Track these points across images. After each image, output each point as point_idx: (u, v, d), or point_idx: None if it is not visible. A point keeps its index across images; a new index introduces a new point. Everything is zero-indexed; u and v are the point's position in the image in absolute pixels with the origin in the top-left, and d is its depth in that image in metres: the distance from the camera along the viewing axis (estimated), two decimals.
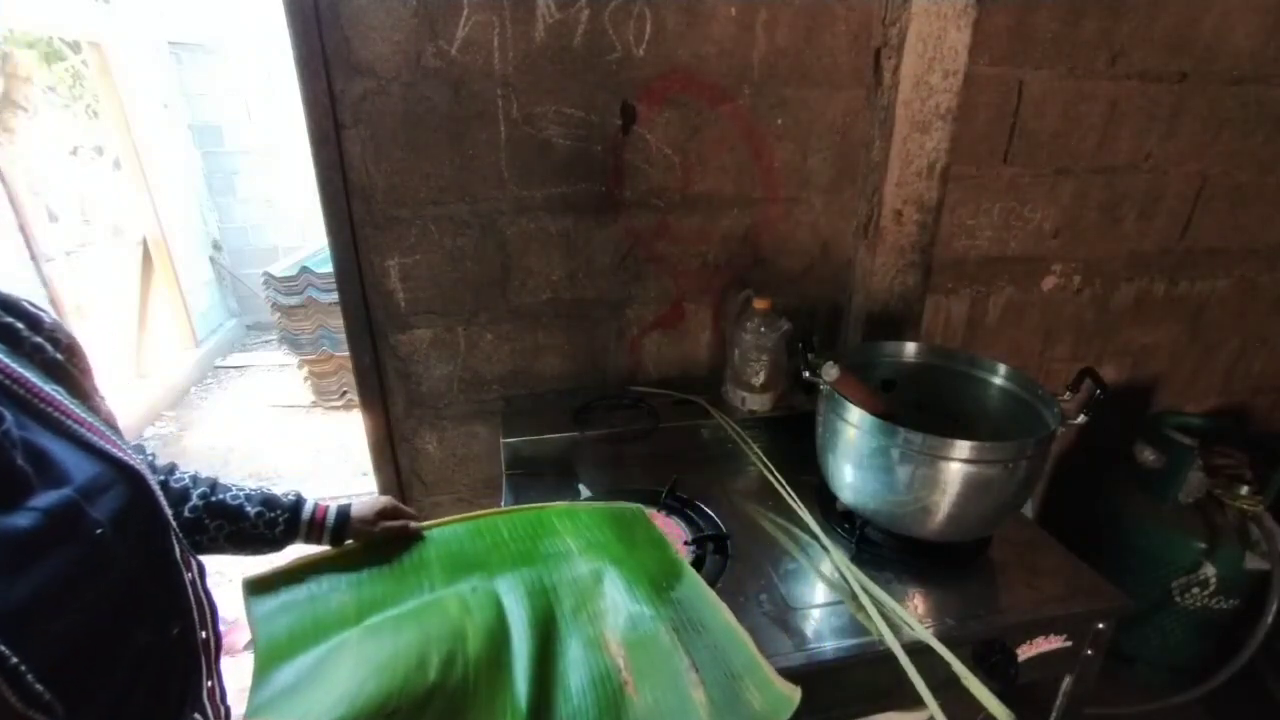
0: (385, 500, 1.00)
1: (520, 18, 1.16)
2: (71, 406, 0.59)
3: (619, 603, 0.89)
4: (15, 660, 0.44)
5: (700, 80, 1.28)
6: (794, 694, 0.80)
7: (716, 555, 1.05)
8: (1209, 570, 1.63)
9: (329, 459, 3.36)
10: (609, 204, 1.34)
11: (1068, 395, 1.02)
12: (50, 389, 0.58)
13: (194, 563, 0.68)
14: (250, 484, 0.88)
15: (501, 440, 1.29)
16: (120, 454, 0.60)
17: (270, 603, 0.87)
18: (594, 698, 0.78)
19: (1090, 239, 1.63)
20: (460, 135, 1.23)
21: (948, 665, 0.84)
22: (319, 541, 0.92)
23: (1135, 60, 1.45)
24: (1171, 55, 1.47)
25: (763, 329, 1.34)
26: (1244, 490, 1.63)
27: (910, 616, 0.91)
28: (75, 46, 3.66)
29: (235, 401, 4.10)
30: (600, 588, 0.92)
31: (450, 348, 1.39)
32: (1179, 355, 1.88)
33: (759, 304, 1.33)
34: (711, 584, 0.99)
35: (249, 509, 0.83)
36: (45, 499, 0.51)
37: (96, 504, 0.55)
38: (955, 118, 1.32)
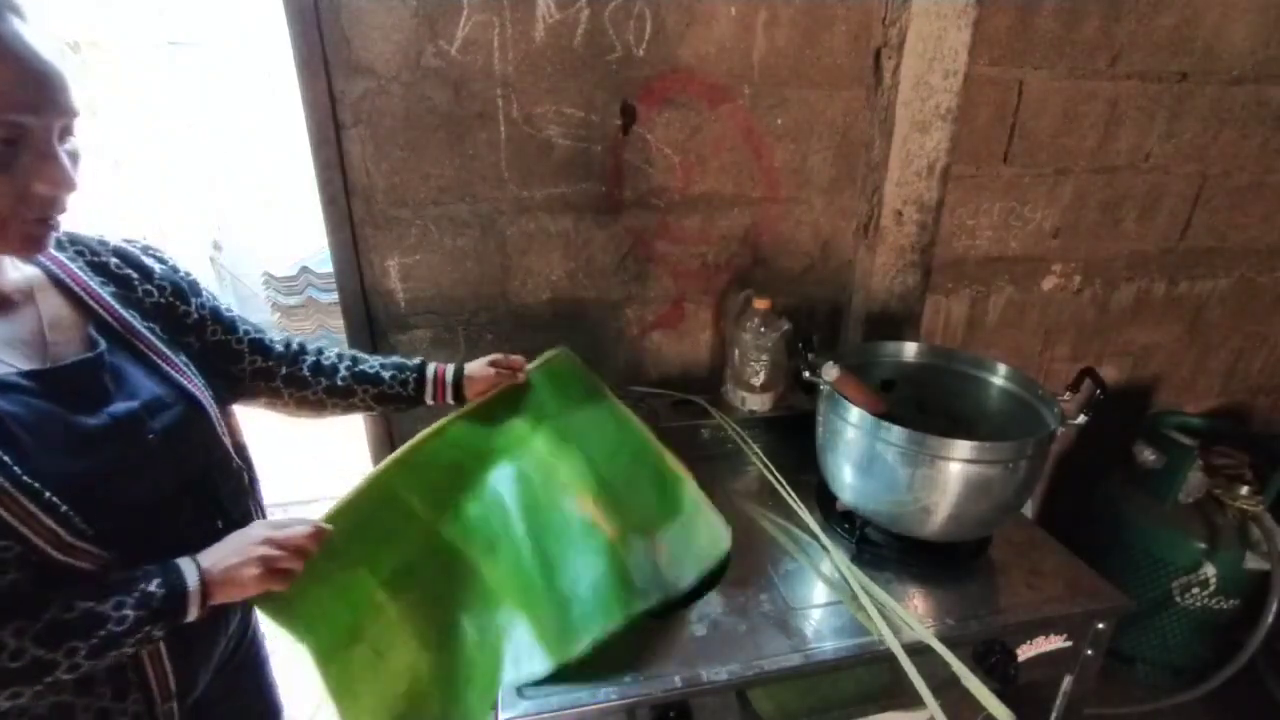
0: (493, 356, 1.06)
1: (520, 18, 1.16)
2: (157, 343, 0.76)
3: (576, 465, 0.99)
4: (65, 509, 0.61)
5: (700, 80, 1.28)
6: (727, 531, 0.97)
7: None
8: (1209, 570, 1.63)
9: (329, 459, 3.36)
10: (609, 204, 1.34)
11: (1068, 395, 1.02)
12: (145, 327, 0.76)
13: (251, 475, 0.88)
14: (380, 356, 1.03)
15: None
16: (185, 382, 0.76)
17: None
18: (589, 560, 0.90)
19: (1090, 239, 1.64)
20: (460, 135, 1.23)
21: (948, 665, 0.84)
22: (445, 397, 1.03)
23: (1135, 60, 1.45)
24: (1171, 55, 1.47)
25: (763, 329, 1.34)
26: (1244, 490, 1.63)
27: (910, 616, 0.91)
28: (75, 46, 3.66)
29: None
30: (557, 459, 1.00)
31: (450, 348, 1.39)
32: (1179, 355, 1.88)
33: (759, 304, 1.33)
34: (711, 584, 0.99)
35: (384, 374, 1.00)
36: (117, 408, 0.69)
37: (156, 417, 0.72)
38: (955, 118, 1.32)
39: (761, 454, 1.24)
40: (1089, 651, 1.00)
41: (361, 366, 1.00)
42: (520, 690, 0.81)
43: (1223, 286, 1.80)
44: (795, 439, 1.24)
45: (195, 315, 0.84)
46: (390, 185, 1.24)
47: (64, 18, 3.42)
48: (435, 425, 0.99)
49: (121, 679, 0.68)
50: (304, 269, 3.99)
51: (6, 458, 0.59)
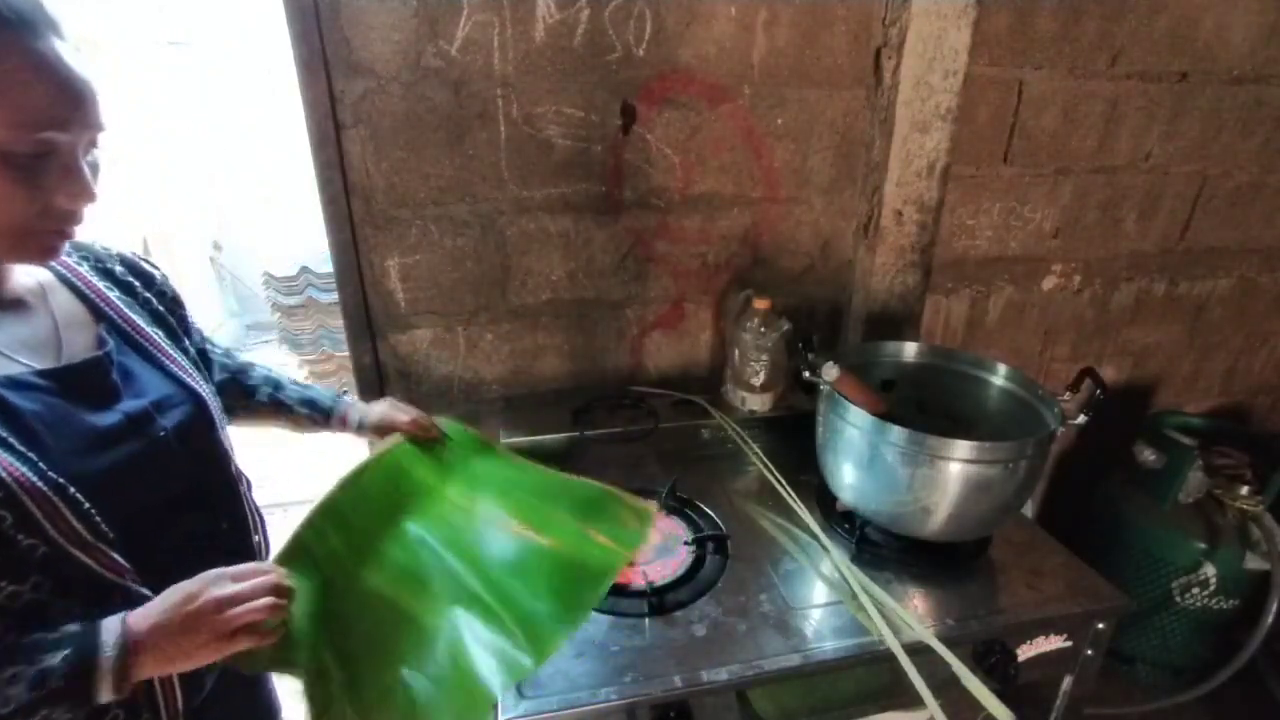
0: (397, 405, 1.06)
1: (520, 18, 1.16)
2: (164, 344, 0.78)
3: (493, 501, 1.02)
4: (88, 505, 0.62)
5: (700, 80, 1.28)
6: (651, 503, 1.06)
7: (716, 555, 1.05)
8: (1209, 570, 1.63)
9: (329, 458, 3.36)
10: (609, 204, 1.34)
11: (1068, 395, 1.02)
12: (152, 330, 0.78)
13: (245, 478, 0.87)
14: (302, 384, 1.05)
15: (501, 440, 1.29)
16: (191, 381, 0.78)
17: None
18: (537, 565, 0.92)
19: (1090, 239, 1.64)
20: (460, 135, 1.23)
21: (948, 665, 0.84)
22: (346, 431, 1.04)
23: (1135, 60, 1.45)
24: (1171, 55, 1.47)
25: (763, 329, 1.34)
26: (1244, 490, 1.63)
27: (910, 616, 0.91)
28: (75, 46, 3.66)
29: None
30: (472, 501, 1.01)
31: (450, 348, 1.39)
32: (1179, 355, 1.88)
33: (759, 304, 1.33)
34: (711, 584, 0.99)
35: (300, 410, 1.02)
36: (128, 405, 0.70)
37: (165, 415, 0.73)
38: (955, 118, 1.32)
39: (761, 454, 1.24)
40: (1089, 651, 1.00)
41: (279, 396, 1.02)
42: (520, 690, 0.81)
43: (1223, 286, 1.80)
44: (795, 439, 1.24)
45: (187, 324, 0.88)
46: (390, 185, 1.24)
47: (64, 17, 3.42)
48: (349, 473, 0.95)
49: (131, 702, 0.66)
50: (304, 269, 3.99)
51: (33, 454, 0.59)
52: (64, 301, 0.73)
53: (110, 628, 0.58)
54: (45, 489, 0.59)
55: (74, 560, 0.61)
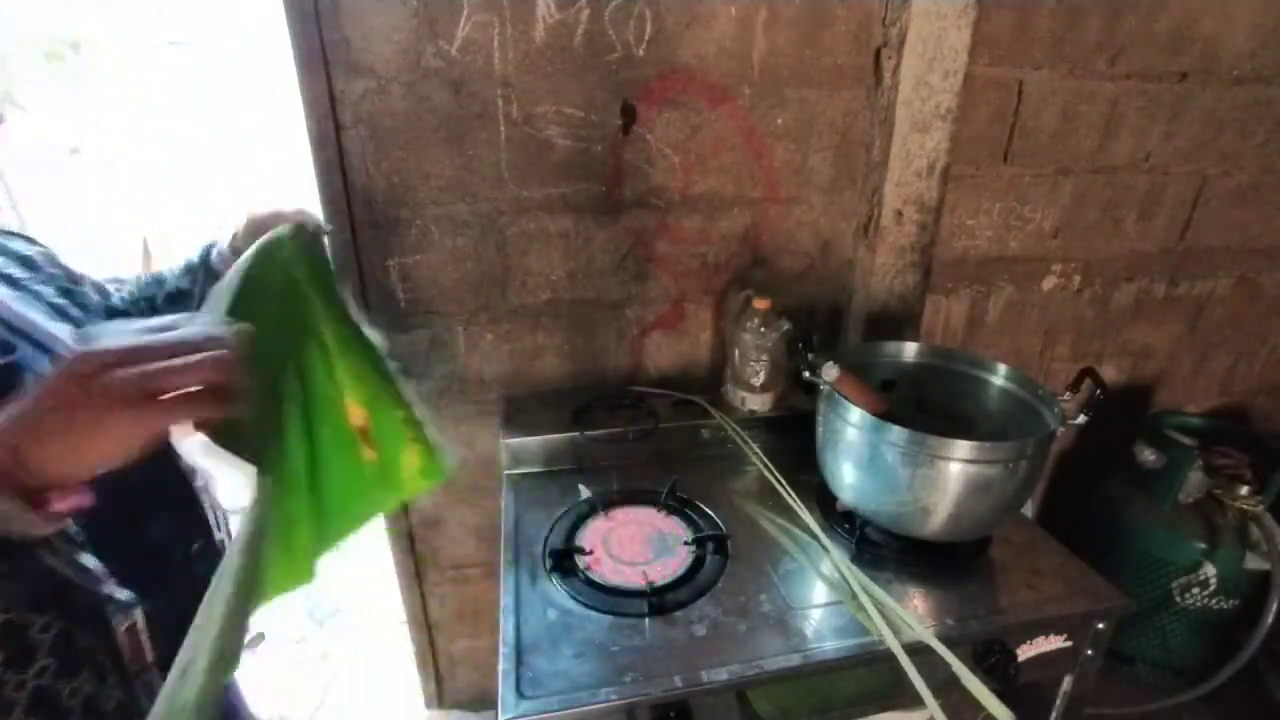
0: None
1: (520, 18, 1.16)
2: (68, 341, 0.65)
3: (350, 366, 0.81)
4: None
5: (700, 80, 1.28)
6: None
7: (716, 555, 1.05)
8: (1209, 570, 1.63)
9: None
10: (609, 204, 1.34)
11: (1068, 395, 1.02)
12: (55, 327, 0.67)
13: (198, 473, 0.77)
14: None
15: (501, 440, 1.29)
16: None
17: None
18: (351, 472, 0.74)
19: (1090, 239, 1.64)
20: (460, 135, 1.23)
21: (948, 665, 0.84)
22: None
23: (1135, 60, 1.45)
24: (1171, 55, 1.47)
25: (763, 329, 1.34)
26: (1244, 490, 1.63)
27: (910, 616, 0.91)
28: (75, 46, 3.66)
29: None
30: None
31: (450, 348, 1.39)
32: (1179, 355, 1.88)
33: (759, 304, 1.33)
34: (711, 584, 0.99)
35: (184, 284, 0.92)
36: None
37: None
38: (955, 118, 1.32)
39: (761, 454, 1.25)
40: (1089, 651, 1.00)
41: (164, 287, 0.92)
42: (520, 690, 0.81)
43: (1223, 287, 1.80)
44: (795, 439, 1.24)
45: (85, 298, 0.77)
46: (390, 185, 1.24)
47: (64, 17, 3.42)
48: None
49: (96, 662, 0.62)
50: None
51: None
52: None
53: None
54: None
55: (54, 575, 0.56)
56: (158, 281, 0.93)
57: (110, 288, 0.88)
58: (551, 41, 1.19)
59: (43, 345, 0.65)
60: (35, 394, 0.44)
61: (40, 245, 0.76)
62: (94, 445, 0.45)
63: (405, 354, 1.38)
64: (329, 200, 1.22)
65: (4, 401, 0.47)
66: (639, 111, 1.27)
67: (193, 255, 0.95)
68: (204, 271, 0.92)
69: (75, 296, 0.76)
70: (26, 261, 0.73)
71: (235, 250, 0.92)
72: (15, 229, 0.76)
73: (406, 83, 1.17)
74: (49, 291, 0.72)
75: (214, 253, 0.94)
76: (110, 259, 3.76)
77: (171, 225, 4.31)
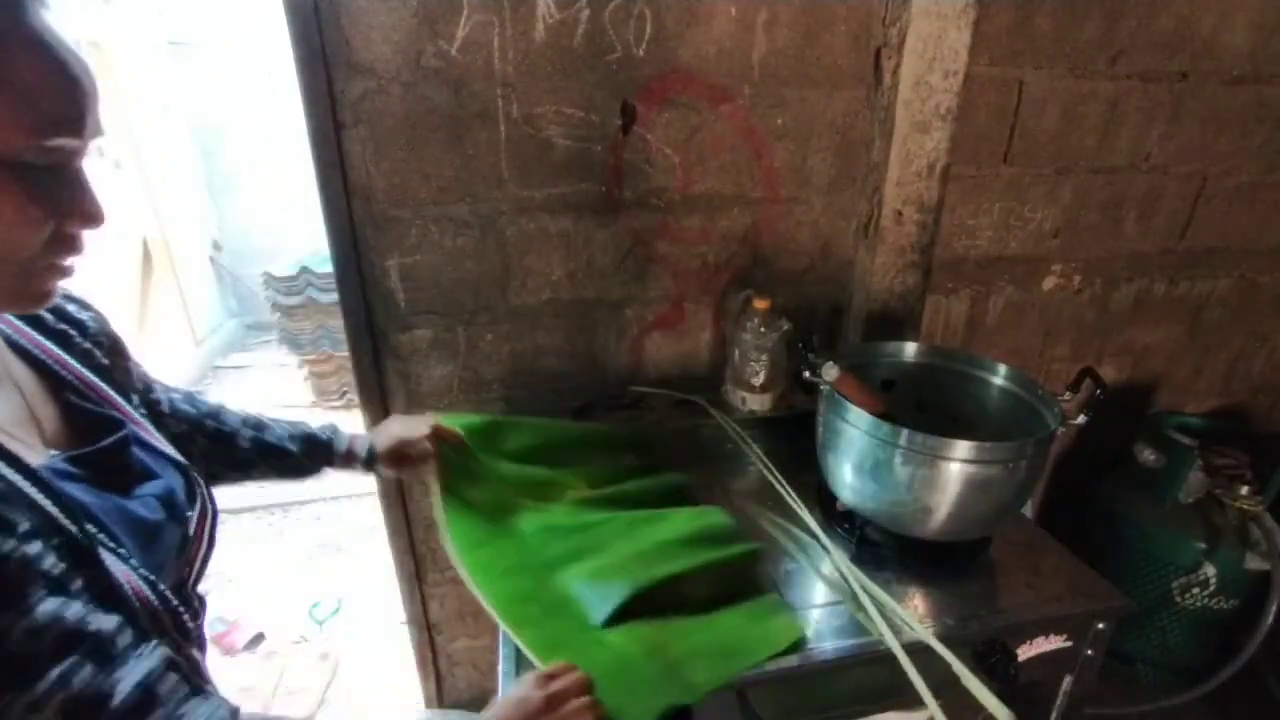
0: (405, 427, 0.99)
1: (520, 18, 1.16)
2: (131, 411, 0.67)
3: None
4: (176, 603, 0.58)
5: (700, 80, 1.28)
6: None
7: None
8: (1209, 570, 1.63)
9: None
10: (609, 204, 1.34)
11: (1068, 395, 1.02)
12: (119, 397, 0.66)
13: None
14: (285, 421, 0.95)
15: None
16: (175, 455, 0.69)
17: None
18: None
19: (1090, 239, 1.64)
20: (460, 135, 1.23)
21: (948, 665, 0.84)
22: (354, 468, 0.98)
23: (1135, 60, 1.45)
24: (1171, 55, 1.47)
25: (763, 329, 1.34)
26: (1244, 490, 1.63)
27: (910, 616, 0.91)
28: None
29: (235, 401, 4.10)
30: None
31: (450, 347, 1.39)
32: (1179, 355, 1.88)
33: (759, 304, 1.33)
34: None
35: (291, 448, 0.92)
36: (153, 488, 0.62)
37: (178, 494, 0.65)
38: (955, 118, 1.32)
39: (761, 454, 1.24)
40: (1089, 651, 1.00)
41: (266, 437, 0.91)
42: None
43: (1223, 286, 1.80)
44: (795, 439, 1.24)
45: (133, 373, 0.74)
46: (390, 185, 1.24)
47: (64, 17, 3.42)
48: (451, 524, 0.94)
49: None
50: (304, 269, 3.99)
51: (122, 550, 0.52)
52: (18, 368, 0.59)
53: None
54: (155, 600, 0.54)
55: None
56: (257, 426, 0.92)
57: (166, 395, 0.84)
58: (551, 41, 1.19)
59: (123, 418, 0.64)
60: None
61: (94, 311, 0.73)
62: None
63: (405, 354, 1.38)
64: (329, 200, 1.22)
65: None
66: (639, 111, 1.27)
67: (316, 427, 0.97)
68: (324, 450, 0.95)
69: (121, 371, 0.73)
70: (79, 326, 0.69)
71: (369, 452, 0.97)
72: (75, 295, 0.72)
73: (406, 83, 1.17)
74: (95, 357, 0.69)
75: (342, 437, 0.98)
76: (110, 259, 3.77)
77: (171, 225, 4.31)
